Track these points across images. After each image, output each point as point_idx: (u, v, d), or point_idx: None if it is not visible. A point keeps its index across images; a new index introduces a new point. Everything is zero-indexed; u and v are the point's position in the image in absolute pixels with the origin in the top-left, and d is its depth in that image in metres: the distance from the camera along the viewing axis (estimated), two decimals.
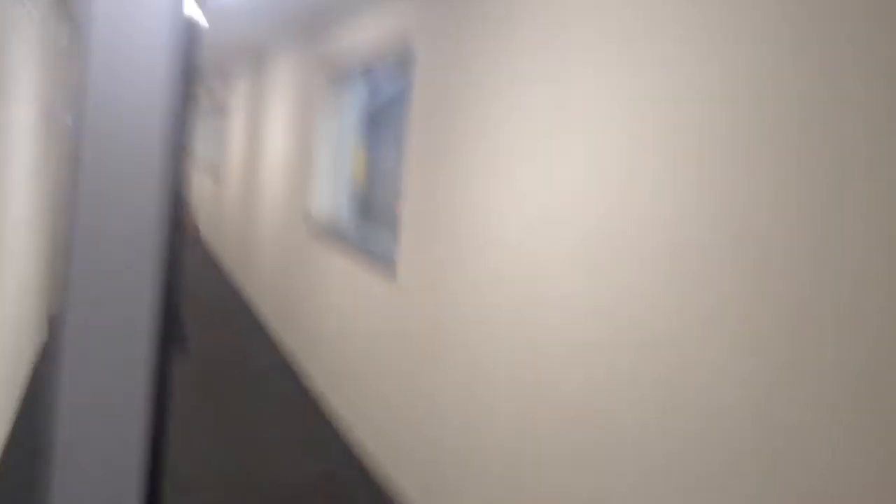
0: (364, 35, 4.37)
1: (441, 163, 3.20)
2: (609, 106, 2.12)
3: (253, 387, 4.89)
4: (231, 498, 3.36)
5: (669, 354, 1.83)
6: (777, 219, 1.55)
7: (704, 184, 1.76)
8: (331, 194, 5.28)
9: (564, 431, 2.23)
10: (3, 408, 3.37)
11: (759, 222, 1.59)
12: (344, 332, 4.40)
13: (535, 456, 2.38)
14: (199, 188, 13.54)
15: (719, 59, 1.74)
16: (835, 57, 1.45)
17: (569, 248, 2.26)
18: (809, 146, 1.49)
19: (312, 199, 5.29)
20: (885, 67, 1.35)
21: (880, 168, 1.35)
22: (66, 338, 1.03)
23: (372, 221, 4.74)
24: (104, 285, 1.05)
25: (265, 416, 4.39)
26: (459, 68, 3.07)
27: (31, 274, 4.48)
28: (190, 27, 1.10)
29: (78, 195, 1.04)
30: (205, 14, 5.69)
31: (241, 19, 5.85)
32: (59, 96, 5.68)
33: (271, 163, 6.84)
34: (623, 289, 2.02)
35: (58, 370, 1.03)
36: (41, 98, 4.55)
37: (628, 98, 2.05)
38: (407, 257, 3.51)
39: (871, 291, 1.35)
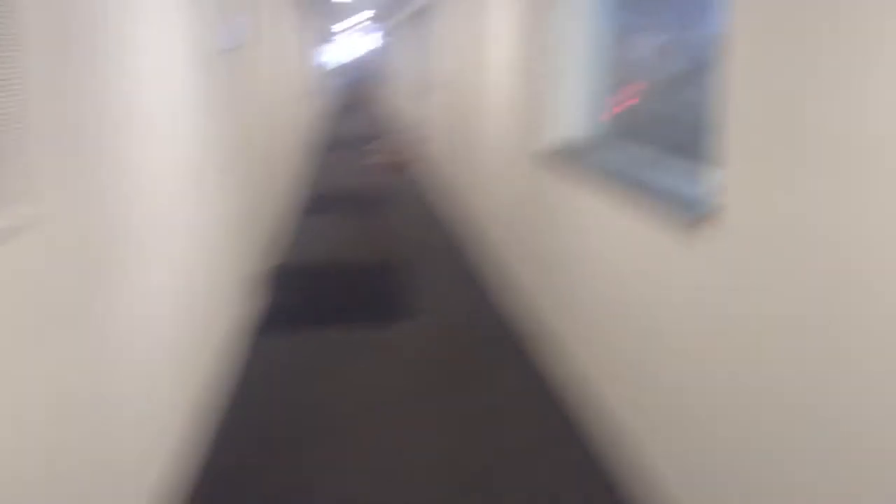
0: None
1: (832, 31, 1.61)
2: None
3: (481, 371, 3.68)
4: None
5: None
6: None
7: None
8: (579, 107, 3.80)
9: None
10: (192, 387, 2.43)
11: None
12: (610, 312, 2.99)
13: None
14: (412, 106, 12.63)
15: None
16: None
17: None
18: None
19: (550, 120, 3.86)
20: None
21: None
22: None
23: (643, 142, 3.21)
24: None
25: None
26: None
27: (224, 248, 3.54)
28: None
29: None
30: None
31: None
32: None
33: (496, 75, 5.47)
34: None
35: None
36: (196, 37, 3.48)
37: None
38: (739, 200, 2.00)
39: None
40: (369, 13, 18.53)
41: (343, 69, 29.42)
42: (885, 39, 1.44)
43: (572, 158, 3.45)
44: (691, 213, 2.26)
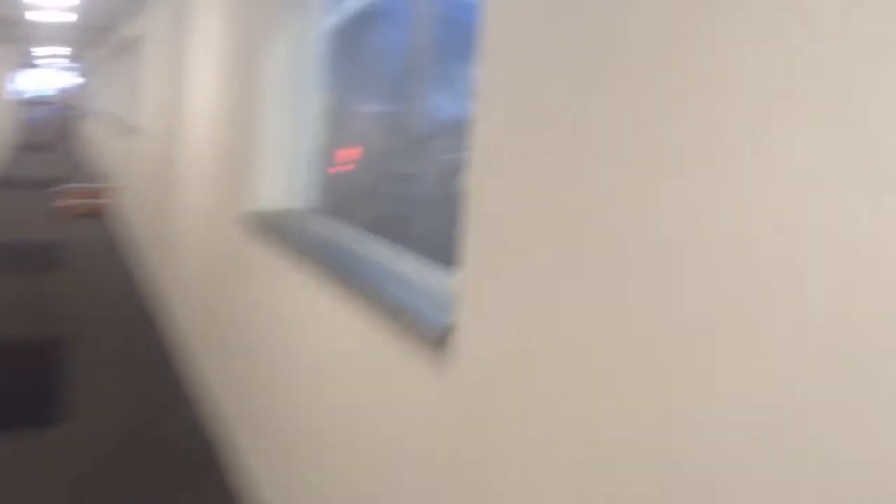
0: None
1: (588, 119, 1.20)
2: None
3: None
4: None
5: None
6: None
7: None
8: (288, 175, 3.21)
9: None
10: None
11: None
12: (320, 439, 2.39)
13: None
14: (108, 149, 11.25)
15: None
16: None
17: None
18: None
19: (256, 185, 3.23)
20: None
21: None
22: None
23: (357, 218, 2.70)
24: None
25: None
26: None
27: None
28: None
29: None
30: None
31: None
32: None
33: (199, 125, 4.73)
34: None
35: None
36: None
37: None
38: (472, 317, 1.53)
39: None
40: (67, 49, 16.53)
41: (37, 102, 25.96)
42: (637, 151, 1.05)
43: (276, 231, 2.84)
44: (424, 330, 1.75)
